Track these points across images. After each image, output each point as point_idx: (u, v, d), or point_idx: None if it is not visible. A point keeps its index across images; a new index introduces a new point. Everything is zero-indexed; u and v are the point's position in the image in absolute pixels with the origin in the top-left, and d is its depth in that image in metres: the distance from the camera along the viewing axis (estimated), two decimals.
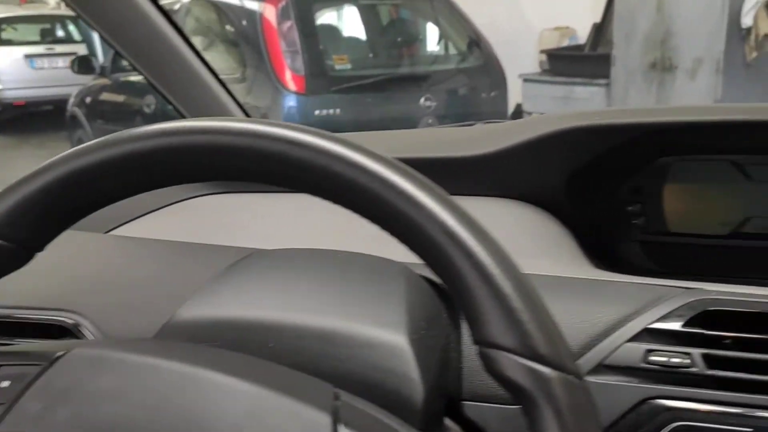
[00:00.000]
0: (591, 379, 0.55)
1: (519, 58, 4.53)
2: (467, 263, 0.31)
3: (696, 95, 3.56)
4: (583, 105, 4.06)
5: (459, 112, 3.25)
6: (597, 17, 4.16)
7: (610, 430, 0.54)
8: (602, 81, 3.91)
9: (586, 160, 0.70)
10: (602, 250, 0.72)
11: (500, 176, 0.73)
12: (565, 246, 0.70)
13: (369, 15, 3.56)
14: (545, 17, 4.54)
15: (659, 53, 3.64)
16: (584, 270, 0.66)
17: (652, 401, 0.54)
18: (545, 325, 0.31)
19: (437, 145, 0.80)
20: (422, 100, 3.17)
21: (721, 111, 0.66)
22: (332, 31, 3.49)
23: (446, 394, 0.55)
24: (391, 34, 3.62)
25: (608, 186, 0.73)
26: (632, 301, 0.58)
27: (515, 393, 0.31)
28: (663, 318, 0.55)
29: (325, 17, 3.46)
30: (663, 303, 0.56)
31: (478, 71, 3.50)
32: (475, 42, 3.53)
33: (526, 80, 4.31)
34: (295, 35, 3.02)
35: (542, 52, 4.31)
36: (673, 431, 0.53)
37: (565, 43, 4.34)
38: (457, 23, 3.59)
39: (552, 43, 4.33)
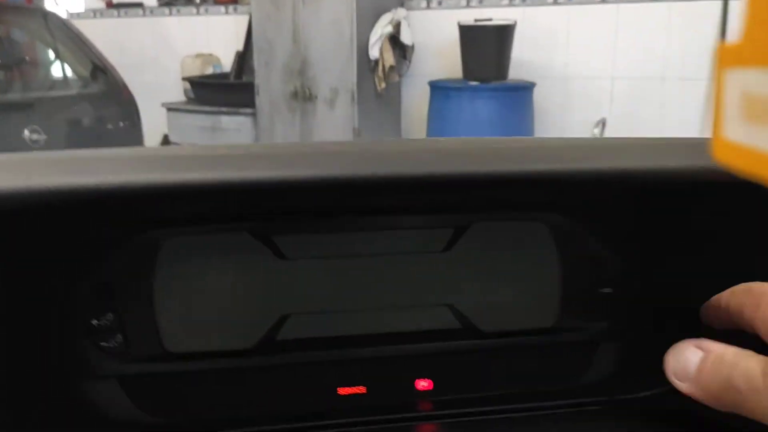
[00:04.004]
0: None
1: (168, 86, 4.23)
2: None
3: (337, 123, 3.65)
4: (232, 135, 3.92)
5: (80, 146, 2.83)
6: (240, 45, 4.07)
7: None
8: (248, 110, 3.81)
9: None
10: (63, 394, 0.46)
11: None
12: None
13: None
14: (188, 44, 4.31)
15: (299, 82, 3.66)
16: None
17: None
18: None
19: None
20: (27, 132, 2.67)
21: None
22: None
23: None
24: None
25: (45, 283, 0.44)
26: None
27: None
28: None
29: None
30: None
31: (102, 100, 3.10)
32: (100, 68, 3.13)
33: (170, 109, 4.03)
34: None
35: (184, 79, 4.06)
36: None
37: (210, 70, 4.15)
38: (76, 48, 3.15)
39: (195, 71, 4.11)
